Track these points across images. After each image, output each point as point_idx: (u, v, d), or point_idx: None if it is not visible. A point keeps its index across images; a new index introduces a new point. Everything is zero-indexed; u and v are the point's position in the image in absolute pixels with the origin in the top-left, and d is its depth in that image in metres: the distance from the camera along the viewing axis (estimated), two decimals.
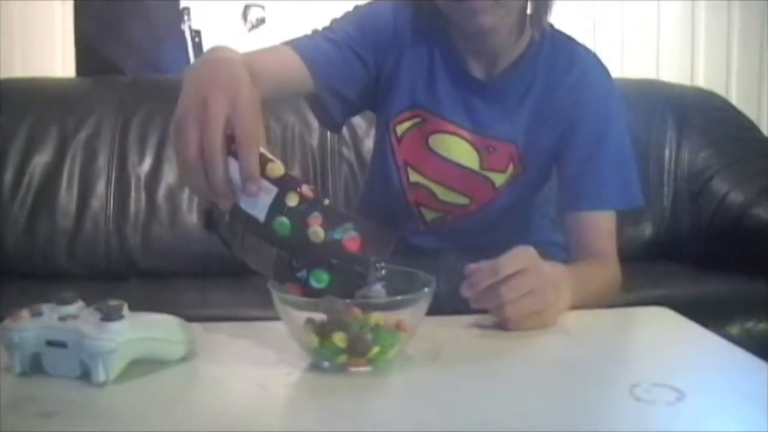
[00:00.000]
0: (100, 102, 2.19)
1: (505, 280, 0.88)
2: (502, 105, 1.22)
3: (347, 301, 0.76)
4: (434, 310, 0.80)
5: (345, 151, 2.23)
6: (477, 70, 1.23)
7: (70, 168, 2.11)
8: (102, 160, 2.12)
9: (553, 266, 0.96)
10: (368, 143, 2.16)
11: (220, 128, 0.77)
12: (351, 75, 1.20)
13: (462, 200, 1.25)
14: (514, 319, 0.89)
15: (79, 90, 2.28)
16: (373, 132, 2.04)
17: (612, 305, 1.09)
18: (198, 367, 0.80)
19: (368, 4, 1.24)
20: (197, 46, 2.49)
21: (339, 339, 0.75)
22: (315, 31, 1.19)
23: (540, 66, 1.21)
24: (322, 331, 0.75)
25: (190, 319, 0.82)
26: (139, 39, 2.47)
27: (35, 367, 0.75)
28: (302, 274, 0.77)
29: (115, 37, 2.45)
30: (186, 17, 2.49)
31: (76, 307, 0.76)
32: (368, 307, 0.76)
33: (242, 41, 2.42)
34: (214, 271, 1.96)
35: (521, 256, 0.90)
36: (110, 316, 0.72)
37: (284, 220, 0.77)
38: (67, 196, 2.09)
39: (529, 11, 1.20)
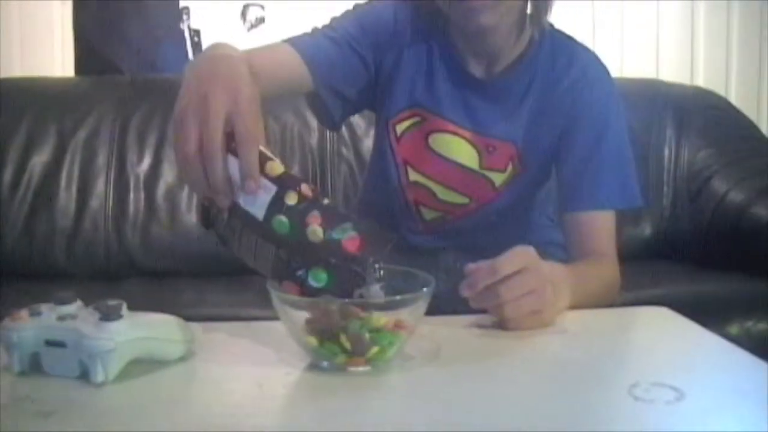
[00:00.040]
0: (99, 101, 2.19)
1: (504, 280, 0.88)
2: (502, 104, 1.22)
3: (346, 300, 0.76)
4: (433, 309, 0.80)
5: (344, 151, 2.23)
6: (477, 70, 1.23)
7: (69, 167, 2.11)
8: (101, 160, 2.12)
9: (553, 266, 0.96)
10: (367, 143, 2.16)
11: (220, 125, 0.77)
12: (351, 73, 1.20)
13: (461, 200, 1.25)
14: (513, 319, 0.89)
15: (78, 89, 2.28)
16: (372, 132, 2.04)
17: (611, 305, 1.09)
18: (197, 366, 0.80)
19: (368, 3, 1.24)
20: (196, 46, 2.49)
21: (338, 338, 0.75)
22: (315, 29, 1.19)
23: (540, 65, 1.21)
24: (321, 331, 0.75)
25: (189, 318, 0.82)
26: (138, 38, 2.47)
27: (34, 366, 0.75)
28: (300, 273, 0.77)
29: (114, 37, 2.45)
30: (185, 17, 2.49)
31: (75, 306, 0.76)
32: (367, 307, 0.76)
33: (241, 41, 2.40)
34: (213, 270, 1.96)
35: (520, 256, 0.90)
36: (109, 315, 0.72)
37: (283, 218, 0.77)
38: (66, 196, 2.09)
39: (528, 11, 1.20)
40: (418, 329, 0.80)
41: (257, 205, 0.78)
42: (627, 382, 0.73)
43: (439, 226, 1.29)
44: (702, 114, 2.35)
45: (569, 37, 1.25)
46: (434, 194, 1.26)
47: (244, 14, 2.52)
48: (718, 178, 2.20)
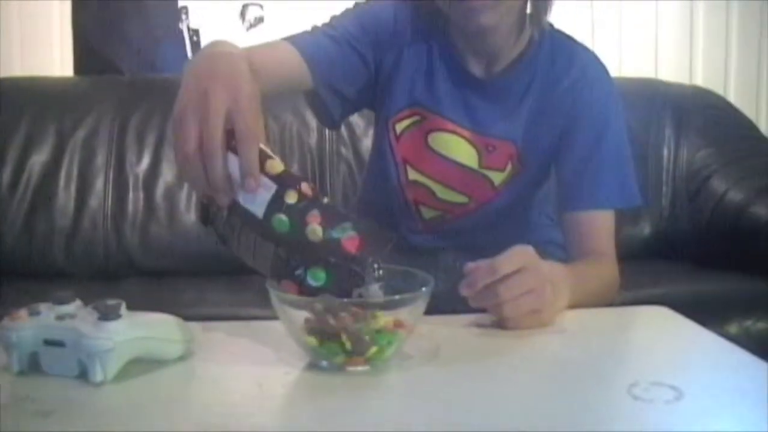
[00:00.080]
0: (98, 101, 2.19)
1: (504, 279, 0.88)
2: (502, 104, 1.22)
3: (345, 300, 0.76)
4: (432, 309, 0.80)
5: (343, 151, 2.23)
6: (476, 69, 1.23)
7: (69, 167, 2.11)
8: (100, 159, 2.12)
9: (552, 265, 0.96)
10: (366, 142, 2.16)
11: (221, 123, 0.77)
12: (350, 72, 1.20)
13: (461, 199, 1.25)
14: (512, 318, 0.89)
15: (77, 89, 2.28)
16: (371, 131, 2.04)
17: (610, 304, 1.09)
18: (196, 366, 0.80)
19: (368, 2, 1.24)
20: (195, 45, 2.49)
21: (339, 338, 0.75)
22: (315, 28, 1.19)
23: (539, 65, 1.21)
24: (321, 331, 0.75)
25: (188, 318, 0.82)
26: (137, 38, 2.47)
27: (33, 366, 0.75)
28: (299, 272, 0.77)
29: (113, 37, 2.45)
30: (184, 16, 2.49)
31: (73, 306, 0.76)
32: (366, 307, 0.76)
33: (240, 40, 2.40)
34: (212, 270, 1.96)
35: (520, 255, 0.90)
36: (108, 315, 0.72)
37: (283, 217, 0.77)
38: (65, 195, 2.09)
39: (528, 11, 1.20)
40: (417, 329, 0.80)
41: (257, 203, 0.78)
42: (626, 381, 0.73)
43: (439, 226, 1.29)
44: (701, 113, 2.36)
45: (569, 37, 1.25)
46: (433, 193, 1.26)
47: (243, 14, 2.52)
48: (717, 178, 2.21)
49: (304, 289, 0.77)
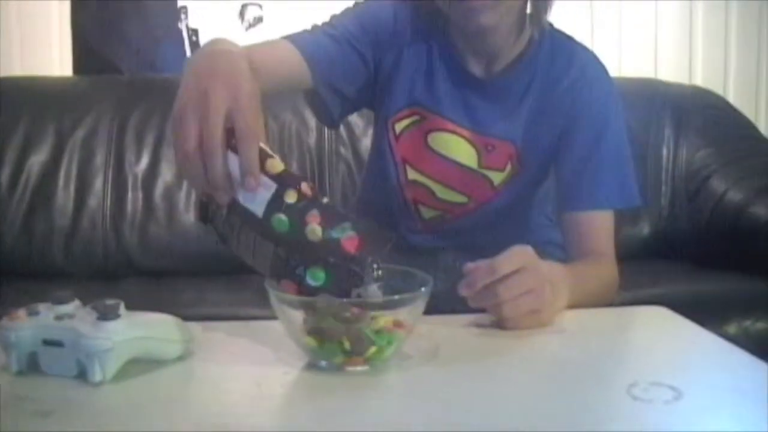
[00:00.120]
0: (97, 101, 2.19)
1: (503, 279, 0.88)
2: (502, 104, 1.22)
3: (344, 300, 0.75)
4: (432, 309, 0.80)
5: (342, 150, 2.23)
6: (476, 69, 1.23)
7: (68, 167, 2.11)
8: (99, 159, 2.12)
9: (551, 265, 0.96)
10: (366, 142, 2.16)
11: (221, 122, 0.77)
12: (350, 71, 1.20)
13: (460, 198, 1.25)
14: (511, 318, 0.89)
15: (76, 89, 2.28)
16: (370, 131, 2.04)
17: (609, 304, 1.09)
18: (195, 366, 0.80)
19: (368, 1, 1.24)
20: (194, 45, 2.49)
21: (338, 339, 0.75)
22: (315, 27, 1.19)
23: (539, 65, 1.21)
24: (320, 331, 0.75)
25: (187, 318, 0.82)
26: (136, 38, 2.47)
27: (32, 366, 0.75)
28: (299, 271, 0.77)
29: (112, 36, 2.45)
30: (183, 16, 2.49)
31: (72, 306, 0.76)
32: (365, 307, 0.76)
33: (239, 40, 2.40)
34: (211, 270, 1.96)
35: (519, 255, 0.90)
36: (107, 315, 0.72)
37: (282, 216, 0.77)
38: (64, 195, 2.09)
39: (528, 11, 1.20)
40: (417, 328, 0.80)
41: (257, 202, 0.78)
42: (625, 381, 0.73)
43: (438, 225, 1.29)
44: (700, 113, 2.36)
45: (569, 37, 1.25)
46: (433, 193, 1.26)
47: (242, 13, 2.52)
48: (716, 178, 2.21)
49: (304, 289, 0.77)
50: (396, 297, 0.77)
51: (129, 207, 2.10)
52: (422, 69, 1.23)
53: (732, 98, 2.61)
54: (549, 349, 0.87)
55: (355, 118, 2.18)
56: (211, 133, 0.76)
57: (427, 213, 1.28)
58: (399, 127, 1.25)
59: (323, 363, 0.77)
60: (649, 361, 0.83)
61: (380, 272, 0.77)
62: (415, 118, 1.24)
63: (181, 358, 0.79)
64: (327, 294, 0.76)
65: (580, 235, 1.19)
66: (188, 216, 2.12)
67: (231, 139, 0.77)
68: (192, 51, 2.49)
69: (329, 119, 1.24)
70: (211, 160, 0.76)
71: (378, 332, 0.75)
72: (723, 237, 2.09)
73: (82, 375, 0.73)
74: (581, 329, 0.92)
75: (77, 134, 2.13)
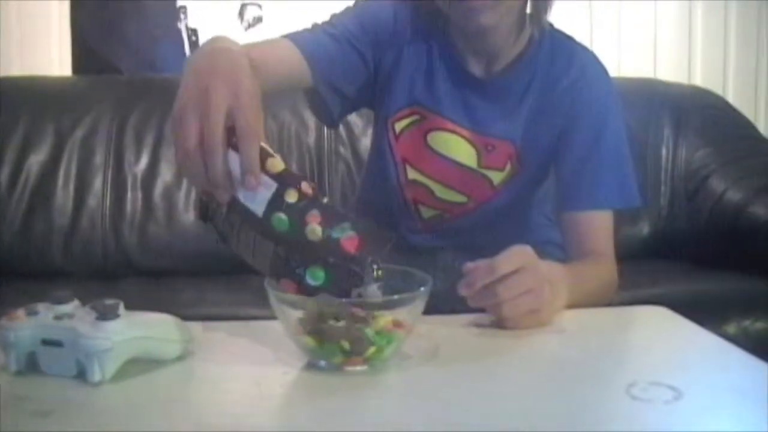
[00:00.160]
0: (96, 101, 2.19)
1: (502, 279, 0.88)
2: (501, 103, 1.22)
3: (343, 300, 0.75)
4: (431, 308, 0.80)
5: (342, 150, 2.23)
6: (476, 69, 1.23)
7: (67, 166, 2.10)
8: (99, 159, 2.12)
9: (550, 265, 0.96)
10: (365, 142, 2.16)
11: (221, 120, 0.77)
12: (350, 70, 1.19)
13: (460, 198, 1.25)
14: (511, 318, 0.89)
15: (75, 89, 2.28)
16: (370, 131, 2.04)
17: (609, 304, 1.09)
18: (194, 366, 0.80)
19: (369, 1, 1.24)
20: (194, 45, 2.49)
21: (337, 338, 0.75)
22: (315, 25, 1.19)
23: (539, 65, 1.21)
24: (319, 331, 0.75)
25: (186, 318, 0.82)
26: (135, 38, 2.47)
27: (31, 366, 0.75)
28: (299, 271, 0.77)
29: (111, 36, 2.45)
30: (182, 16, 2.49)
31: (71, 306, 0.76)
32: (364, 307, 0.76)
33: (239, 40, 2.40)
34: (211, 269, 1.95)
35: (518, 255, 0.90)
36: (106, 315, 0.72)
37: (282, 216, 0.77)
38: (63, 195, 2.09)
39: (528, 10, 1.20)
40: (416, 328, 0.80)
41: (257, 201, 0.78)
42: (625, 381, 0.73)
43: (438, 225, 1.29)
44: (699, 113, 2.36)
45: (569, 37, 1.25)
46: (432, 193, 1.26)
47: (241, 13, 2.52)
48: (715, 178, 2.21)
49: (303, 289, 0.77)
50: (395, 297, 0.77)
51: (128, 207, 2.10)
52: (422, 68, 1.23)
53: (731, 98, 2.61)
54: (548, 348, 0.87)
55: (354, 118, 2.18)
56: (211, 132, 0.76)
57: (426, 212, 1.28)
58: (399, 126, 1.25)
59: (323, 363, 0.77)
60: (648, 361, 0.83)
61: (380, 272, 0.77)
62: (414, 117, 1.24)
63: (180, 358, 0.79)
64: (327, 294, 0.76)
65: (580, 235, 1.19)
66: (187, 216, 2.11)
67: (231, 138, 0.77)
68: (191, 51, 2.49)
69: (329, 118, 1.24)
70: (212, 158, 0.76)
71: (378, 332, 0.75)
72: (722, 237, 2.09)
73: (81, 375, 0.73)
74: (580, 329, 0.92)
75: (76, 134, 2.13)
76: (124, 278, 2.02)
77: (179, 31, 2.49)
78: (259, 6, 2.52)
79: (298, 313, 0.77)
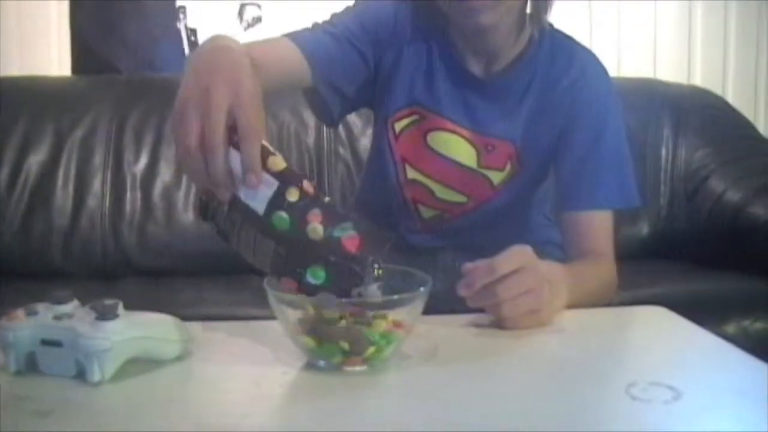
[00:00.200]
0: (96, 101, 2.19)
1: (502, 279, 0.88)
2: (501, 103, 1.22)
3: (343, 300, 0.75)
4: (431, 308, 0.80)
5: (341, 150, 2.23)
6: (476, 69, 1.23)
7: (66, 166, 2.10)
8: (98, 159, 2.12)
9: (550, 265, 0.96)
10: (364, 142, 2.16)
11: (223, 119, 0.77)
12: (350, 69, 1.19)
13: (459, 198, 1.25)
14: (510, 318, 0.89)
15: (75, 89, 2.28)
16: (369, 131, 2.04)
17: (608, 304, 1.09)
18: (194, 366, 0.80)
19: (369, 0, 1.24)
20: (193, 45, 2.49)
21: (336, 338, 0.75)
22: (315, 25, 1.19)
23: (539, 65, 1.21)
24: (318, 331, 0.75)
25: (186, 318, 0.82)
26: (134, 38, 2.46)
27: (30, 366, 0.75)
28: (299, 269, 0.77)
29: (111, 36, 2.45)
30: (182, 16, 2.49)
31: (71, 306, 0.76)
32: (364, 307, 0.76)
33: (238, 40, 2.41)
34: (210, 269, 1.96)
35: (518, 255, 0.90)
36: (105, 315, 0.72)
37: (283, 214, 0.77)
38: (62, 195, 2.08)
39: (528, 10, 1.20)
40: (416, 328, 0.80)
41: (258, 199, 0.78)
42: (624, 381, 0.73)
43: (437, 225, 1.29)
44: (699, 113, 2.36)
45: (569, 37, 1.25)
46: (432, 192, 1.26)
47: (241, 13, 2.52)
48: (715, 178, 2.21)
49: (304, 287, 0.77)
50: (395, 297, 0.77)
51: (128, 207, 2.10)
52: (422, 68, 1.23)
53: (731, 98, 2.61)
54: (548, 348, 0.87)
55: (353, 118, 2.18)
56: (213, 130, 0.76)
57: (426, 212, 1.28)
58: (399, 126, 1.25)
59: (322, 363, 0.77)
60: (647, 361, 0.83)
61: (380, 272, 0.77)
62: (414, 117, 1.24)
63: (179, 358, 0.79)
64: (327, 293, 0.76)
65: (579, 235, 1.19)
66: (187, 216, 2.11)
67: (232, 136, 0.77)
68: (190, 51, 2.49)
69: (329, 118, 1.23)
70: (213, 157, 0.76)
71: (377, 332, 0.75)
72: (722, 237, 2.09)
73: (80, 375, 0.73)
74: (580, 329, 0.92)
75: (76, 134, 2.13)
76: (123, 278, 2.02)
77: (178, 31, 2.49)
78: (258, 6, 2.52)
79: (297, 313, 0.77)
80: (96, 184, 2.10)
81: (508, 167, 1.23)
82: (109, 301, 0.74)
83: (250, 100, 0.79)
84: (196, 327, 0.87)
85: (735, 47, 2.73)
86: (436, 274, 0.82)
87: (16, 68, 2.40)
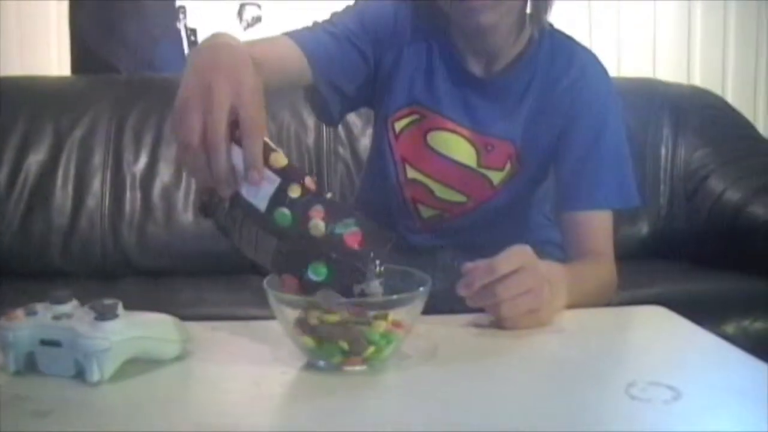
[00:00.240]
0: (95, 101, 2.19)
1: (502, 279, 0.87)
2: (501, 103, 1.22)
3: (342, 301, 0.75)
4: (430, 308, 0.80)
5: (341, 150, 2.23)
6: (476, 68, 1.23)
7: (66, 166, 2.10)
8: (97, 159, 2.12)
9: (550, 265, 0.96)
10: (364, 142, 2.16)
11: (225, 115, 0.77)
12: (350, 68, 1.19)
13: (459, 198, 1.25)
14: (510, 318, 0.89)
15: (74, 88, 2.28)
16: (369, 131, 2.04)
17: (608, 304, 1.09)
18: (193, 366, 0.80)
19: (369, 0, 1.24)
20: (193, 45, 2.49)
21: (336, 338, 0.75)
22: (315, 24, 1.19)
23: (539, 65, 1.21)
24: (318, 331, 0.75)
25: (185, 318, 0.82)
26: (134, 38, 2.46)
27: (30, 366, 0.75)
28: (301, 266, 0.76)
29: (110, 36, 2.45)
30: (181, 16, 2.49)
31: (70, 306, 0.75)
32: (366, 307, 0.76)
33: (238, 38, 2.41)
34: (209, 269, 1.96)
35: (518, 255, 0.90)
36: (105, 315, 0.72)
37: (285, 211, 0.76)
38: (62, 195, 2.08)
39: (528, 10, 1.20)
40: (415, 328, 0.80)
41: (260, 196, 0.77)
42: (624, 381, 0.73)
43: (437, 225, 1.29)
44: (699, 113, 2.36)
45: (569, 37, 1.25)
46: (432, 192, 1.26)
47: (240, 13, 2.52)
48: (714, 177, 2.21)
49: (305, 284, 0.77)
50: (394, 297, 0.76)
51: (127, 207, 2.10)
52: (422, 68, 1.23)
53: (730, 98, 2.61)
54: (547, 348, 0.87)
55: (353, 118, 2.18)
56: (215, 127, 0.76)
57: (426, 212, 1.28)
58: (399, 126, 1.25)
59: (321, 363, 0.77)
60: (647, 361, 0.83)
61: (382, 268, 0.77)
62: (414, 117, 1.24)
63: (179, 358, 0.79)
64: (329, 289, 0.75)
65: (579, 235, 1.19)
66: (186, 216, 2.11)
67: (234, 132, 0.77)
68: (190, 51, 2.48)
69: (328, 117, 1.23)
70: (215, 153, 0.76)
71: (377, 332, 0.75)
72: (721, 236, 2.09)
73: (80, 375, 0.73)
74: (580, 329, 0.92)
75: (75, 134, 2.13)
76: (122, 278, 2.02)
77: (178, 31, 2.49)
78: (258, 6, 2.53)
79: (296, 313, 0.76)
80: (95, 184, 2.10)
81: (508, 167, 1.23)
82: (108, 301, 0.74)
83: (252, 97, 0.79)
84: (195, 327, 0.87)
85: (734, 47, 2.73)
86: (436, 273, 0.82)
87: (15, 68, 2.40)
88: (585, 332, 0.92)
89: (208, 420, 0.67)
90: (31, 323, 0.74)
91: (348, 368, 0.77)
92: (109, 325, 0.72)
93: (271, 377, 0.76)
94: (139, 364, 0.75)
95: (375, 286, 0.76)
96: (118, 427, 0.66)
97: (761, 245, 1.94)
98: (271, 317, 0.79)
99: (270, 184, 0.77)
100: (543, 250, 0.98)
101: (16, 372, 0.74)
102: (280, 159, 0.78)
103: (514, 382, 0.76)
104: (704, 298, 1.76)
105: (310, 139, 2.23)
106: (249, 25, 2.52)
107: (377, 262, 0.76)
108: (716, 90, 2.59)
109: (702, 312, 1.01)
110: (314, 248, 0.76)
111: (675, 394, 0.70)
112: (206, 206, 0.83)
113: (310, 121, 2.20)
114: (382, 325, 0.75)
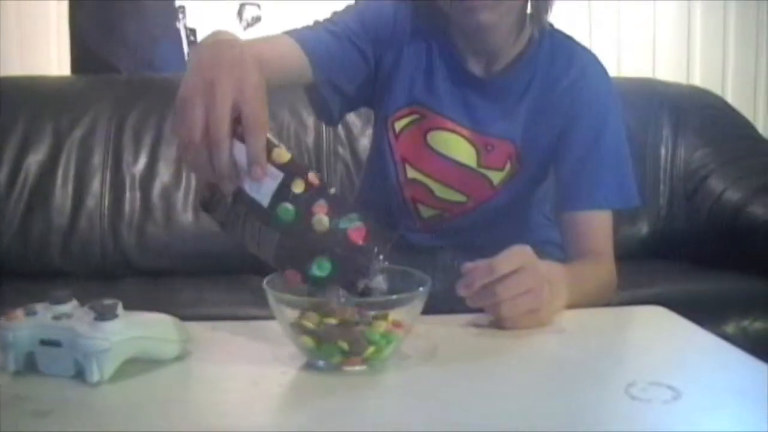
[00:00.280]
0: (95, 101, 2.19)
1: (502, 279, 0.87)
2: (501, 103, 1.22)
3: (343, 300, 0.75)
4: (430, 308, 0.80)
5: (340, 150, 2.23)
6: (476, 68, 1.23)
7: (65, 166, 2.10)
8: (97, 159, 2.12)
9: (550, 265, 0.96)
10: (364, 142, 2.16)
11: (227, 112, 0.77)
12: (350, 68, 1.19)
13: (459, 197, 1.25)
14: (510, 318, 0.89)
15: (74, 88, 2.28)
16: (368, 131, 2.04)
17: (608, 304, 1.09)
18: (193, 366, 0.80)
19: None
20: (192, 45, 2.49)
21: (336, 339, 0.74)
22: (316, 23, 1.19)
23: (539, 64, 1.21)
24: (317, 331, 0.75)
25: (185, 318, 0.82)
26: (134, 37, 2.46)
27: (29, 366, 0.75)
28: (304, 261, 0.76)
29: (110, 36, 2.45)
30: (181, 16, 2.49)
31: (70, 306, 0.75)
32: (365, 307, 0.76)
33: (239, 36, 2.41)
34: (210, 269, 1.96)
35: (517, 255, 0.90)
36: (104, 315, 0.72)
37: (288, 206, 0.76)
38: (62, 195, 2.08)
39: (528, 10, 1.20)
40: (415, 328, 0.80)
41: (263, 192, 0.77)
42: (624, 381, 0.73)
43: (437, 225, 1.29)
44: (698, 113, 2.36)
45: (569, 37, 1.25)
46: (432, 192, 1.26)
47: (240, 13, 2.52)
48: (714, 177, 2.21)
49: (309, 279, 0.76)
50: (394, 297, 0.77)
51: (127, 207, 2.10)
52: (422, 68, 1.23)
53: (730, 98, 2.61)
54: (547, 348, 0.87)
55: (353, 118, 2.18)
56: (217, 123, 0.76)
57: (426, 212, 1.28)
58: (399, 125, 1.25)
59: (321, 363, 0.77)
60: (647, 361, 0.83)
61: (386, 263, 0.77)
62: (414, 116, 1.24)
63: (178, 358, 0.79)
64: (333, 284, 0.75)
65: (579, 235, 1.19)
66: (186, 216, 2.11)
67: (236, 128, 0.77)
68: (190, 50, 2.48)
69: (328, 116, 1.23)
70: (218, 149, 0.76)
71: (376, 332, 0.75)
72: (721, 236, 2.09)
73: (79, 375, 0.73)
74: (580, 329, 0.92)
75: (75, 134, 2.13)
76: (122, 278, 2.02)
77: (178, 31, 2.49)
78: (258, 6, 2.52)
79: (296, 313, 0.76)
80: (95, 184, 2.10)
81: (508, 167, 1.23)
82: (108, 301, 0.74)
83: (255, 93, 0.79)
84: (195, 327, 0.87)
85: (734, 47, 2.73)
86: (436, 273, 0.82)
87: (15, 68, 2.40)
88: (585, 332, 0.92)
89: (207, 420, 0.67)
90: (31, 323, 0.74)
91: (348, 368, 0.77)
92: (109, 325, 0.72)
93: (270, 377, 0.76)
94: (139, 364, 0.75)
95: (379, 281, 0.76)
96: (118, 427, 0.65)
97: (761, 245, 1.94)
98: (271, 317, 0.79)
99: (273, 179, 0.77)
100: (543, 250, 0.98)
101: (16, 372, 0.74)
102: (283, 154, 0.78)
103: (514, 382, 0.76)
104: (704, 298, 1.76)
105: (310, 139, 2.23)
106: (249, 25, 2.52)
107: (381, 257, 0.76)
108: (716, 90, 2.59)
109: (702, 312, 1.01)
110: (318, 243, 0.76)
111: (675, 394, 0.70)
112: (207, 202, 0.83)
113: (310, 120, 2.20)
114: (382, 325, 0.75)
